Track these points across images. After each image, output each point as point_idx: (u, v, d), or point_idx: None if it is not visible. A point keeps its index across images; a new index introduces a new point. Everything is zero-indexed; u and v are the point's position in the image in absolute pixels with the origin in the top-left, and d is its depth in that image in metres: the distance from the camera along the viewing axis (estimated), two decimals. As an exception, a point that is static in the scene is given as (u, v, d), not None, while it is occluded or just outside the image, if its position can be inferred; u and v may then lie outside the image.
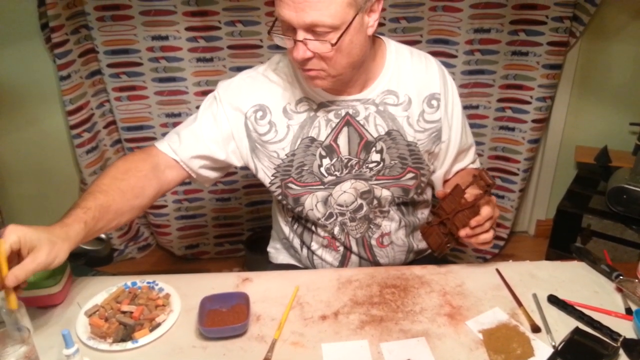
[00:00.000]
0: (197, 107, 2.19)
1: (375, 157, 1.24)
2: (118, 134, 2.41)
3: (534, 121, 2.32)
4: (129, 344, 1.03)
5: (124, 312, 1.12)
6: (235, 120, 1.23)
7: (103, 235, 2.57)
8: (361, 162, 1.25)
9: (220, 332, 1.05)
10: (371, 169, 1.25)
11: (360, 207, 1.29)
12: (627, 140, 2.36)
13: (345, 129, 1.22)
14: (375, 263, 1.37)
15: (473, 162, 1.41)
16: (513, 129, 2.37)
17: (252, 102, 1.22)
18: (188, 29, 2.14)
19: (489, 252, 2.60)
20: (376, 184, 1.27)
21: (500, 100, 2.33)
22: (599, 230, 2.16)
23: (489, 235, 1.14)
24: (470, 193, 1.15)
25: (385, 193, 1.28)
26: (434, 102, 1.25)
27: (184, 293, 1.16)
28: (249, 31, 2.16)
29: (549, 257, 2.34)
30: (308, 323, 1.09)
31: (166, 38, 2.15)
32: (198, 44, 2.17)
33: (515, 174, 2.47)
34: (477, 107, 2.34)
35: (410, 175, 1.27)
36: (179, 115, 2.32)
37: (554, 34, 2.13)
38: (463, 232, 1.13)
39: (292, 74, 1.23)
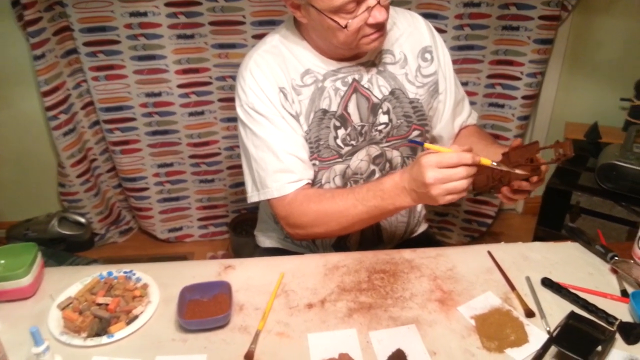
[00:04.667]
0: (178, 86, 2.19)
1: (383, 118, 1.24)
2: (96, 115, 2.33)
3: (524, 97, 2.27)
4: (104, 339, 0.98)
5: (99, 305, 1.06)
6: (282, 112, 1.18)
7: (83, 220, 2.51)
8: (370, 126, 1.24)
9: (201, 324, 1.00)
10: (380, 131, 1.25)
11: (373, 172, 1.29)
12: (618, 116, 2.33)
13: (353, 96, 1.21)
14: (378, 234, 1.35)
15: (470, 115, 1.40)
16: (503, 106, 2.33)
17: (274, 91, 1.17)
18: (167, 4, 2.05)
19: (477, 230, 2.58)
20: (387, 146, 1.27)
21: (490, 77, 2.28)
22: (588, 208, 2.13)
23: (524, 197, 1.12)
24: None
25: (395, 154, 1.29)
26: (427, 56, 1.27)
27: (162, 282, 1.11)
28: (231, 6, 2.07)
29: (538, 235, 2.31)
30: (293, 312, 1.04)
31: (145, 14, 2.06)
32: (178, 20, 2.09)
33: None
34: (466, 83, 2.28)
35: (416, 132, 1.28)
36: (159, 94, 2.24)
37: (546, 8, 2.07)
38: (517, 184, 1.09)
39: (287, 50, 1.19)
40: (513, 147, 1.11)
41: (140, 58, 2.16)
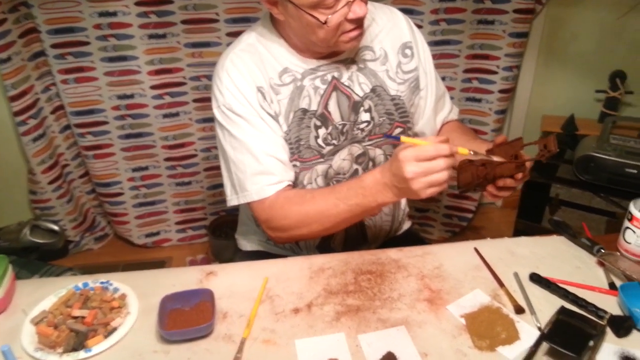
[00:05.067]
0: (151, 87, 2.14)
1: (365, 116, 1.22)
2: (67, 120, 2.25)
3: (500, 91, 2.27)
4: (81, 353, 0.93)
5: (75, 318, 1.01)
6: (261, 112, 1.14)
7: (56, 227, 2.43)
8: (352, 125, 1.21)
9: (183, 334, 0.96)
10: (362, 129, 1.22)
11: (356, 172, 1.26)
12: (593, 108, 2.35)
13: (334, 94, 1.18)
14: (362, 232, 1.33)
15: (451, 110, 1.39)
16: (480, 100, 2.32)
17: (252, 91, 1.13)
18: (138, 3, 1.99)
19: (458, 225, 2.58)
20: (369, 145, 1.25)
21: (466, 71, 2.27)
22: (567, 200, 2.14)
23: (509, 193, 1.11)
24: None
25: (378, 152, 1.27)
26: (408, 51, 1.25)
27: (141, 292, 1.07)
28: (203, 4, 2.03)
29: (518, 228, 2.32)
30: (279, 318, 1.01)
31: (114, 14, 2.00)
32: (149, 19, 2.03)
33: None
34: (443, 78, 2.23)
35: (398, 130, 1.26)
36: (132, 96, 2.18)
37: (520, 1, 2.07)
38: (502, 182, 1.08)
39: (264, 48, 1.16)
40: (497, 144, 1.09)
41: (111, 59, 2.09)
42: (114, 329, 0.99)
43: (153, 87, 2.17)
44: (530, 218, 2.26)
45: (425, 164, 0.95)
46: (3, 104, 2.15)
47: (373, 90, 1.21)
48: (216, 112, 1.17)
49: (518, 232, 2.33)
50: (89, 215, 2.55)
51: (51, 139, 2.27)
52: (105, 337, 0.97)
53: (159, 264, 2.47)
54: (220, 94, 1.14)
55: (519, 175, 1.06)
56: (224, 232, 2.44)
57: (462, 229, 2.59)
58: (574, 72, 2.37)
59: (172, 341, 0.96)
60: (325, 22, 1.02)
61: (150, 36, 2.06)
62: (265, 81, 1.14)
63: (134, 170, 2.36)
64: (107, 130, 2.24)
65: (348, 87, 1.19)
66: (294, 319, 1.00)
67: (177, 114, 2.25)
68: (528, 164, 1.06)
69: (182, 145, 2.33)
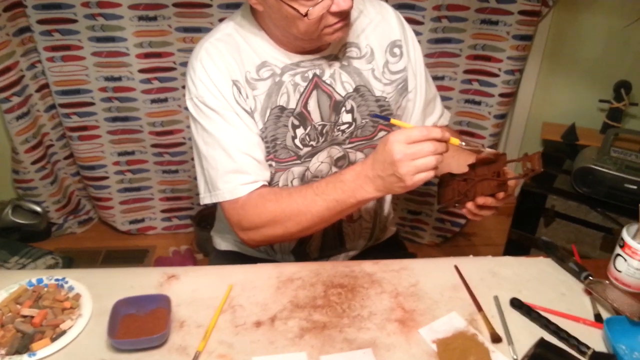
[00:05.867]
0: (140, 71, 2.06)
1: (346, 117, 1.15)
2: (52, 99, 2.18)
3: (501, 95, 2.19)
4: (24, 357, 0.88)
5: (24, 317, 0.95)
6: (235, 107, 1.07)
7: (38, 208, 2.38)
8: (332, 125, 1.14)
9: (134, 344, 0.90)
10: (343, 131, 1.16)
11: None
12: (596, 118, 2.27)
13: (314, 93, 1.11)
14: (340, 239, 1.27)
15: (442, 115, 1.31)
16: (479, 103, 2.24)
17: (227, 84, 1.06)
18: (128, -18, 1.91)
19: (450, 230, 2.51)
20: (350, 148, 1.18)
21: (466, 72, 2.19)
22: (563, 212, 2.07)
23: (490, 213, 1.04)
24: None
25: (360, 156, 1.20)
26: (396, 50, 1.17)
27: (97, 293, 1.00)
28: (196, -13, 1.95)
29: (511, 238, 2.26)
30: (239, 331, 0.95)
31: (103, -9, 1.92)
32: (140, 0, 1.95)
33: (482, 146, 2.35)
34: (442, 78, 2.19)
35: (382, 133, 1.19)
36: (120, 79, 2.10)
37: (526, 3, 1.98)
38: (481, 200, 1.00)
39: (242, 39, 1.09)
40: (480, 159, 1.02)
41: (99, 39, 2.02)
42: (63, 332, 0.93)
43: (141, 71, 2.09)
44: (525, 229, 2.19)
45: (416, 145, 0.90)
46: (-14, 80, 2.08)
47: (356, 90, 1.14)
48: (189, 104, 1.10)
49: (511, 242, 2.26)
50: (73, 197, 2.49)
51: (36, 117, 2.20)
52: (53, 340, 0.91)
53: (142, 253, 2.41)
54: (194, 85, 1.07)
55: (501, 195, 0.99)
56: (209, 224, 2.37)
57: (453, 234, 2.52)
58: (578, 79, 2.28)
59: (122, 350, 0.90)
60: (306, 14, 0.94)
61: (140, 17, 1.99)
62: (242, 75, 1.07)
63: (120, 154, 2.30)
64: (93, 111, 2.18)
65: (329, 85, 1.12)
66: (254, 333, 0.94)
67: (165, 100, 2.18)
68: (512, 183, 0.99)
69: (170, 133, 2.26)
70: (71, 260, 2.27)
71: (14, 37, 2.02)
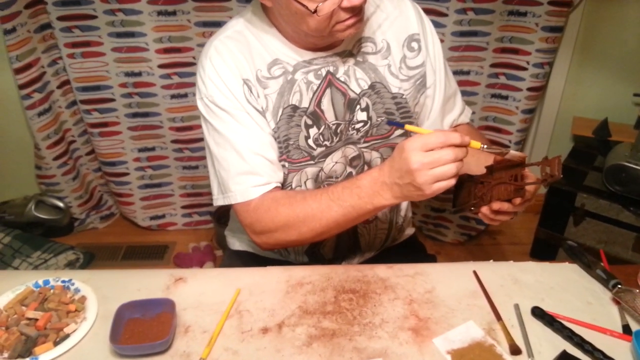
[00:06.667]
0: (159, 66, 2.05)
1: (361, 115, 1.10)
2: (74, 95, 2.19)
3: (529, 89, 2.10)
4: (26, 361, 0.86)
5: (29, 319, 0.94)
6: (247, 107, 1.04)
7: (61, 204, 2.39)
8: (347, 124, 1.10)
9: (135, 350, 0.87)
10: (358, 130, 1.11)
11: (350, 175, 1.15)
12: (630, 113, 2.17)
13: (328, 91, 1.07)
14: (355, 241, 1.23)
15: (462, 112, 1.25)
16: (506, 97, 2.16)
17: (237, 83, 1.03)
18: (146, -23, 1.90)
19: (475, 229, 2.43)
20: (365, 147, 1.14)
21: (493, 66, 2.11)
22: (593, 211, 1.99)
23: (507, 218, 0.99)
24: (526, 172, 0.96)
25: (375, 155, 1.15)
26: (414, 45, 1.12)
27: (104, 295, 0.98)
28: (215, -18, 1.92)
29: (539, 237, 2.18)
30: (245, 337, 0.91)
31: (122, -13, 1.91)
32: (158, -5, 1.94)
33: (507, 147, 2.27)
34: (468, 72, 2.12)
35: (398, 132, 1.14)
36: (140, 74, 2.09)
37: (557, -7, 1.90)
38: (497, 205, 0.95)
39: (252, 36, 1.05)
40: (497, 161, 0.96)
41: (119, 35, 2.01)
42: (67, 336, 0.91)
43: (161, 66, 2.08)
44: (553, 227, 2.12)
45: (433, 153, 0.85)
46: (9, 77, 2.10)
47: (372, 86, 1.09)
48: (199, 104, 1.07)
49: (538, 242, 2.19)
50: (95, 193, 2.51)
51: (57, 114, 2.21)
52: (55, 344, 0.89)
53: (162, 248, 2.41)
54: (204, 84, 1.04)
55: (517, 200, 0.93)
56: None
57: (478, 232, 2.44)
58: (611, 72, 2.18)
59: (124, 355, 0.87)
60: (315, 11, 0.90)
61: (160, 13, 1.97)
62: (252, 73, 1.03)
63: (140, 150, 2.30)
64: (113, 107, 2.18)
65: (344, 82, 1.07)
66: (261, 340, 0.91)
67: (185, 95, 2.17)
68: (530, 188, 0.93)
69: (189, 128, 2.25)
70: (92, 256, 2.29)
71: (35, 34, 2.03)
